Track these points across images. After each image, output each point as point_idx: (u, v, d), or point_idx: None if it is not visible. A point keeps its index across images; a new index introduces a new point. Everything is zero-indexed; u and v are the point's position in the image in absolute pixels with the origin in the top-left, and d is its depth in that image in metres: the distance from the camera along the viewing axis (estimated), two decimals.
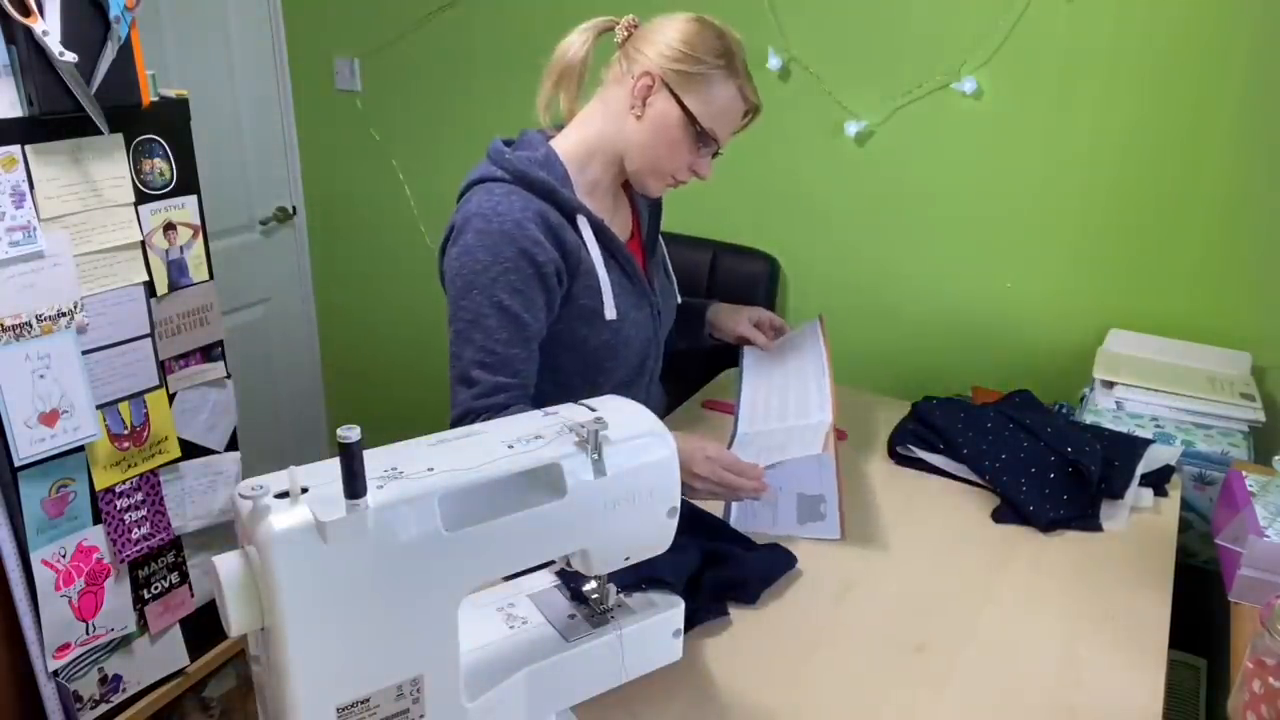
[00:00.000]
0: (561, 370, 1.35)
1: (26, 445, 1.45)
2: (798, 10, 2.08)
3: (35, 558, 1.50)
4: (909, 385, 2.09)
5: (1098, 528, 1.36)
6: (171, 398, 1.67)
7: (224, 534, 1.79)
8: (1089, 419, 1.68)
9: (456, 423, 1.27)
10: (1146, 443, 1.50)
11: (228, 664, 1.89)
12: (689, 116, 1.28)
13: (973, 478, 1.47)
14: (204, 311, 1.70)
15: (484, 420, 1.22)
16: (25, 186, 1.39)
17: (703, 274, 2.31)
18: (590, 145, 1.35)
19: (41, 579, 1.51)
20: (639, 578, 0.99)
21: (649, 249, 1.48)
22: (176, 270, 1.65)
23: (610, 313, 1.32)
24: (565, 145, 1.35)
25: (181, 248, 1.65)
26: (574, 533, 0.86)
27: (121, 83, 1.45)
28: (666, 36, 1.28)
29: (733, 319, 1.61)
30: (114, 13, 1.40)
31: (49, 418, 1.47)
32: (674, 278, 1.56)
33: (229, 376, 1.77)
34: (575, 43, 1.32)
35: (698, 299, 1.69)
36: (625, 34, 1.33)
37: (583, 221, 1.30)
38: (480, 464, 0.80)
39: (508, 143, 1.36)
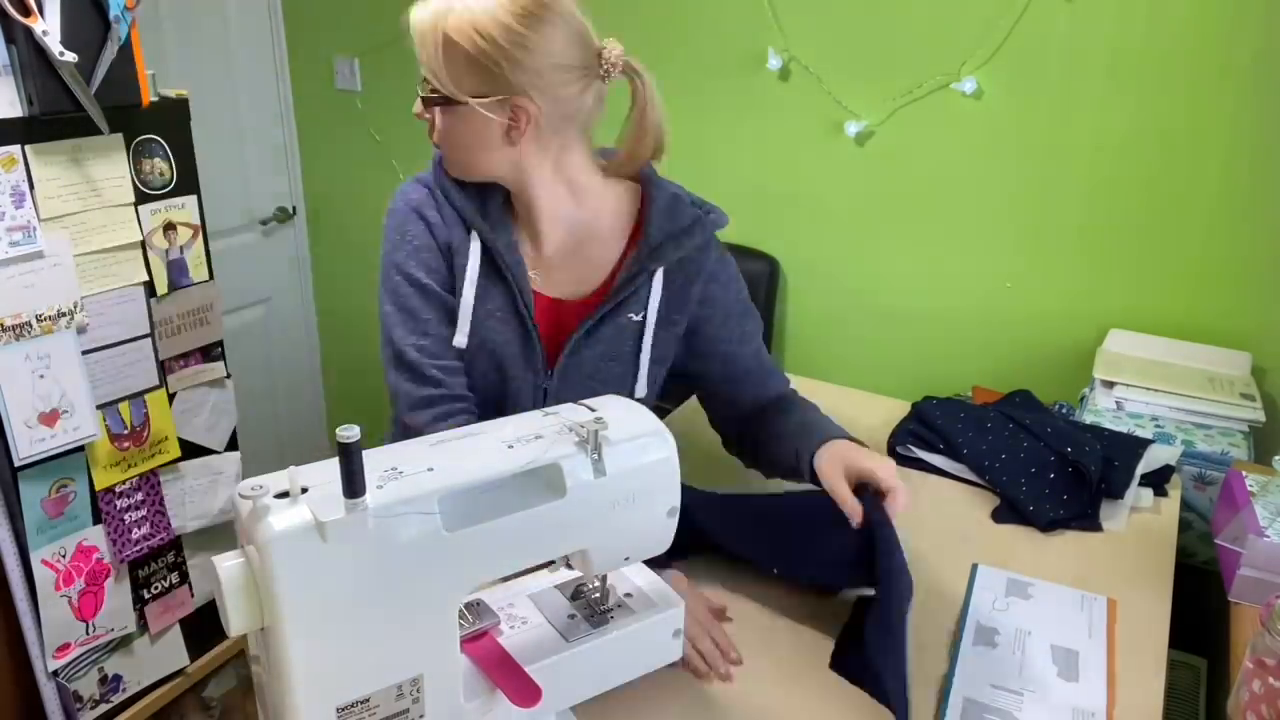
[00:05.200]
0: None
1: (26, 445, 1.45)
2: (798, 10, 2.07)
3: (35, 557, 1.50)
4: (909, 385, 2.09)
5: (1098, 528, 1.36)
6: (171, 398, 1.67)
7: (224, 534, 1.79)
8: (1089, 419, 1.68)
9: (406, 411, 1.16)
10: (1146, 443, 1.50)
11: (228, 664, 1.89)
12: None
13: (973, 478, 1.47)
14: (204, 311, 1.70)
15: (445, 419, 1.14)
16: (25, 186, 1.39)
17: None
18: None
19: (41, 579, 1.51)
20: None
21: (591, 324, 1.18)
22: (176, 270, 1.65)
23: (461, 338, 1.17)
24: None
25: (181, 248, 1.65)
26: (574, 533, 0.86)
27: (121, 83, 1.45)
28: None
29: (836, 473, 1.12)
30: (114, 13, 1.40)
31: (49, 418, 1.47)
32: (646, 379, 1.23)
33: (229, 376, 1.77)
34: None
35: (810, 426, 1.22)
36: None
37: (473, 236, 1.17)
38: (480, 464, 0.80)
39: None
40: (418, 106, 1.14)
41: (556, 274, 1.20)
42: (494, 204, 1.17)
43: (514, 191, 1.18)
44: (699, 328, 1.26)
